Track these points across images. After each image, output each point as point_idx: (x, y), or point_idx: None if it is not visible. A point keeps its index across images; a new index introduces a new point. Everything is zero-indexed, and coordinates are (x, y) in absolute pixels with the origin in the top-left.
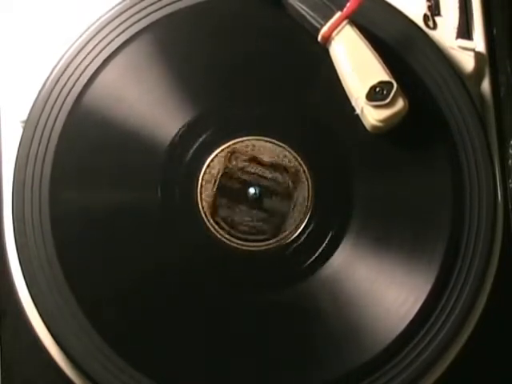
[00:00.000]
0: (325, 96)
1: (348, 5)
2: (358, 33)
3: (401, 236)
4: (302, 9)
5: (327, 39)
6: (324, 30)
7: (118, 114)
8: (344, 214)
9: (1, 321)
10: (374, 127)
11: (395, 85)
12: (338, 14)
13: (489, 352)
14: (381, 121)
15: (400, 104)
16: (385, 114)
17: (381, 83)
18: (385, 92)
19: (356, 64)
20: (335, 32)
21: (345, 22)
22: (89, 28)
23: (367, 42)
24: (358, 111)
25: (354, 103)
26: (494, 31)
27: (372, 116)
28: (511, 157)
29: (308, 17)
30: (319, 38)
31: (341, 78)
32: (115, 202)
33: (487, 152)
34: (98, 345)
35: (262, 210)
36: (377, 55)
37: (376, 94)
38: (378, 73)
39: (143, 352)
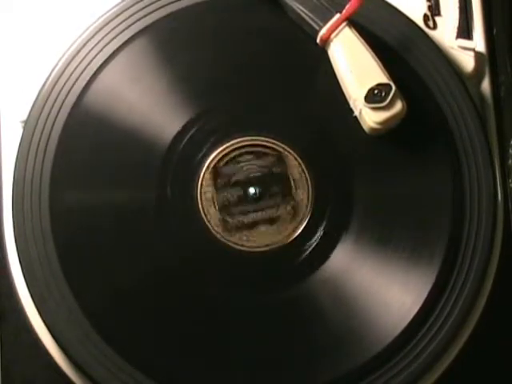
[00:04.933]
0: (325, 96)
1: (347, 7)
2: (357, 35)
3: (401, 236)
4: (301, 10)
5: (326, 41)
6: (323, 31)
7: (118, 114)
8: (344, 215)
9: (1, 320)
10: (372, 129)
11: (393, 87)
12: (337, 16)
13: (489, 352)
14: (379, 123)
15: (398, 106)
16: (383, 116)
17: (379, 85)
18: (383, 94)
19: (354, 66)
20: (334, 34)
21: (343, 23)
22: (89, 28)
23: (366, 44)
24: (356, 113)
25: (352, 105)
26: (494, 31)
27: (370, 118)
28: (511, 157)
29: (307, 18)
30: (318, 40)
31: (339, 79)
32: (115, 201)
33: (487, 152)
34: (98, 344)
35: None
36: (375, 57)
37: (374, 97)
38: (377, 75)
39: (143, 351)
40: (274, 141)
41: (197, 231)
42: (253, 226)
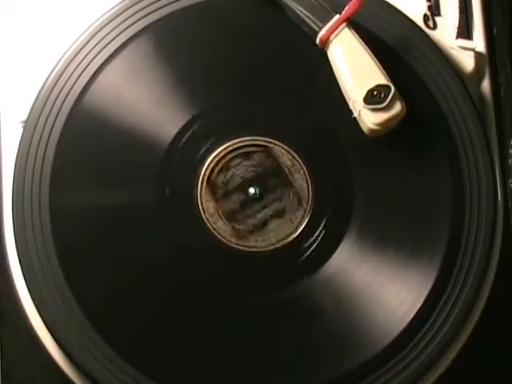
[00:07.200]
0: (326, 96)
1: (346, 7)
2: (357, 36)
3: (401, 236)
4: (300, 11)
5: (325, 42)
6: (322, 32)
7: (118, 114)
8: (344, 215)
9: (1, 321)
10: (372, 130)
11: (393, 88)
12: (336, 17)
13: (489, 352)
14: (378, 124)
15: (397, 108)
16: (382, 117)
17: (378, 86)
18: (382, 95)
19: (354, 67)
20: (333, 35)
21: (343, 24)
22: (88, 28)
23: (365, 45)
24: (355, 114)
25: (351, 106)
26: (494, 31)
27: (369, 119)
28: (511, 157)
29: (306, 19)
30: (317, 41)
31: (339, 80)
32: (115, 202)
33: (487, 152)
34: (98, 344)
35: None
36: (375, 58)
37: (373, 98)
38: (376, 76)
39: (143, 351)
40: (257, 137)
41: (196, 231)
42: (263, 225)
